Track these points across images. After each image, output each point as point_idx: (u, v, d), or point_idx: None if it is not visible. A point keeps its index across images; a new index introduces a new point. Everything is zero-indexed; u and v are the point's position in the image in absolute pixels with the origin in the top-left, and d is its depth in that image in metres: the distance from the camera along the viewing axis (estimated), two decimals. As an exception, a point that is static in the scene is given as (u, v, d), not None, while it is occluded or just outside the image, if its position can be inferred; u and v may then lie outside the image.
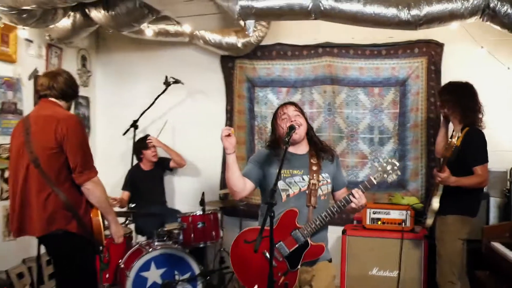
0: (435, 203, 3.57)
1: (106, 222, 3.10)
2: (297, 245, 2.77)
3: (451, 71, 4.67)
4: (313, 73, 4.98)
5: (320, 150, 3.01)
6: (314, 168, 2.91)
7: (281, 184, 2.85)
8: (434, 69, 4.73)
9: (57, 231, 2.85)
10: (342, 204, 2.79)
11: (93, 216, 2.96)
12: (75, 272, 2.93)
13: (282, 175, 2.84)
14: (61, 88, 2.95)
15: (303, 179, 2.89)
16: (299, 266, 2.76)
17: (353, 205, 2.77)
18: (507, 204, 4.14)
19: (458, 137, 3.43)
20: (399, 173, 2.83)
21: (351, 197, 2.76)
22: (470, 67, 4.62)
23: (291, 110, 2.95)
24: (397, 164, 2.82)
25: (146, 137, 4.96)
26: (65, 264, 2.97)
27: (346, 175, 4.71)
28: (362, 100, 4.91)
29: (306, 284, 2.87)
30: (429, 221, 3.65)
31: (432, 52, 4.73)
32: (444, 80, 4.68)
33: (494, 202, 4.45)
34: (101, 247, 3.06)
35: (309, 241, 2.78)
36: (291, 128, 2.79)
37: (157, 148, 4.97)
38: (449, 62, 4.72)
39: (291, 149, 2.89)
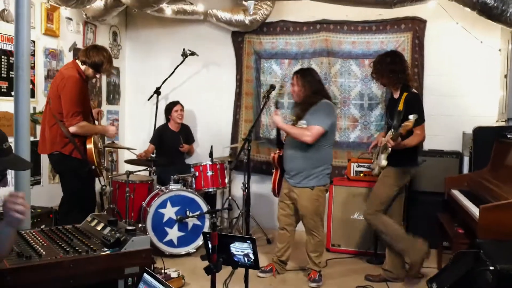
0: (383, 160, 3.85)
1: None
2: None
3: (433, 45, 5.31)
4: (312, 46, 5.66)
5: (308, 104, 3.96)
6: (299, 115, 4.01)
7: None
8: (418, 43, 5.34)
9: (55, 152, 3.87)
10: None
11: (87, 143, 3.94)
12: (71, 184, 3.96)
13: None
14: (83, 55, 3.94)
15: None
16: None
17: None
18: (470, 160, 4.78)
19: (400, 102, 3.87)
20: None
21: None
22: (449, 41, 5.25)
23: (292, 80, 4.05)
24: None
25: (176, 102, 5.73)
26: (63, 178, 4.04)
27: (338, 136, 5.44)
28: (354, 71, 5.57)
29: (294, 200, 4.08)
30: (376, 171, 4.09)
31: (416, 27, 5.33)
32: (426, 53, 5.33)
33: (466, 160, 5.10)
34: (93, 166, 3.96)
35: None
36: (270, 87, 3.61)
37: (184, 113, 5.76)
38: (431, 37, 5.32)
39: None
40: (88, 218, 2.83)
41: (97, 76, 4.10)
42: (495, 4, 4.16)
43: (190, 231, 4.73)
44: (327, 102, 3.99)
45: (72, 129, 3.81)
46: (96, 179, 4.19)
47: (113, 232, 2.48)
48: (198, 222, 4.76)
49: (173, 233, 4.67)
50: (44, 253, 2.24)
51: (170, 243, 4.65)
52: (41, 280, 2.12)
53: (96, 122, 4.28)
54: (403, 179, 4.05)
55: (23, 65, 2.66)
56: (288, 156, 4.09)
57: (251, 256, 2.24)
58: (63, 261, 2.16)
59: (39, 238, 2.48)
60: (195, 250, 4.75)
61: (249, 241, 2.23)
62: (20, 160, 2.12)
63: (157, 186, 5.13)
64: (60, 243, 2.39)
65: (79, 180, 3.94)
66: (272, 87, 3.70)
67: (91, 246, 2.34)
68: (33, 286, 2.10)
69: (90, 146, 3.90)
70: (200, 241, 4.74)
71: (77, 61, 4.01)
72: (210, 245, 2.28)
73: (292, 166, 4.05)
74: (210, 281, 2.31)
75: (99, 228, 2.65)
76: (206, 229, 4.77)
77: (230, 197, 5.57)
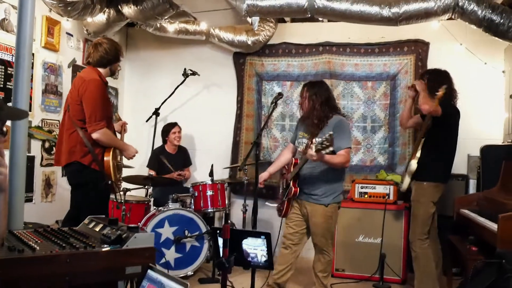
0: (414, 164, 4.00)
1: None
2: (286, 185, 3.77)
3: (436, 67, 5.22)
4: (314, 68, 5.62)
5: (322, 121, 3.70)
6: (315, 133, 3.70)
7: (297, 143, 3.86)
8: (421, 65, 5.30)
9: (74, 162, 3.52)
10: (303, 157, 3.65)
11: (105, 155, 3.60)
12: (86, 198, 3.54)
13: (298, 136, 3.85)
14: (97, 58, 3.65)
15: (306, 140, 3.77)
16: (285, 198, 3.74)
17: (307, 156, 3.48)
18: (478, 180, 4.65)
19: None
20: (331, 148, 3.26)
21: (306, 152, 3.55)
22: (452, 62, 5.19)
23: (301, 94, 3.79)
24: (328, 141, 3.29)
25: (174, 123, 5.63)
26: (77, 191, 3.63)
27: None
28: (357, 93, 5.51)
29: (305, 216, 3.81)
30: (405, 185, 4.12)
31: (419, 50, 5.32)
32: (430, 75, 5.27)
33: (472, 183, 4.97)
34: (109, 181, 3.59)
35: (290, 183, 3.65)
36: (278, 94, 3.50)
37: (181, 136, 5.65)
38: (434, 59, 5.28)
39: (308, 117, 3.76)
40: (86, 221, 2.63)
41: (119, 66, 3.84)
42: (502, 21, 4.14)
43: (188, 252, 4.51)
44: (341, 118, 3.82)
45: (95, 135, 3.49)
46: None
47: (113, 230, 2.29)
48: (197, 244, 4.55)
49: (170, 255, 4.44)
50: (38, 248, 2.04)
51: (166, 265, 4.40)
52: (34, 275, 1.91)
53: (119, 135, 3.99)
54: (435, 194, 3.98)
55: (24, 54, 2.54)
56: (307, 179, 3.75)
57: (265, 254, 2.05)
58: (59, 255, 1.96)
59: (32, 237, 2.28)
60: (192, 273, 4.52)
61: (263, 236, 2.05)
62: (17, 110, 1.93)
63: (154, 208, 4.94)
64: (56, 241, 2.20)
65: (95, 194, 3.56)
66: (280, 95, 3.59)
67: (90, 243, 2.15)
68: (25, 282, 1.90)
69: (108, 158, 3.57)
70: (198, 263, 4.52)
71: (91, 65, 3.71)
72: (221, 241, 2.10)
73: (310, 187, 3.74)
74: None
75: (97, 229, 2.45)
76: (205, 251, 4.56)
77: (230, 220, 5.35)
